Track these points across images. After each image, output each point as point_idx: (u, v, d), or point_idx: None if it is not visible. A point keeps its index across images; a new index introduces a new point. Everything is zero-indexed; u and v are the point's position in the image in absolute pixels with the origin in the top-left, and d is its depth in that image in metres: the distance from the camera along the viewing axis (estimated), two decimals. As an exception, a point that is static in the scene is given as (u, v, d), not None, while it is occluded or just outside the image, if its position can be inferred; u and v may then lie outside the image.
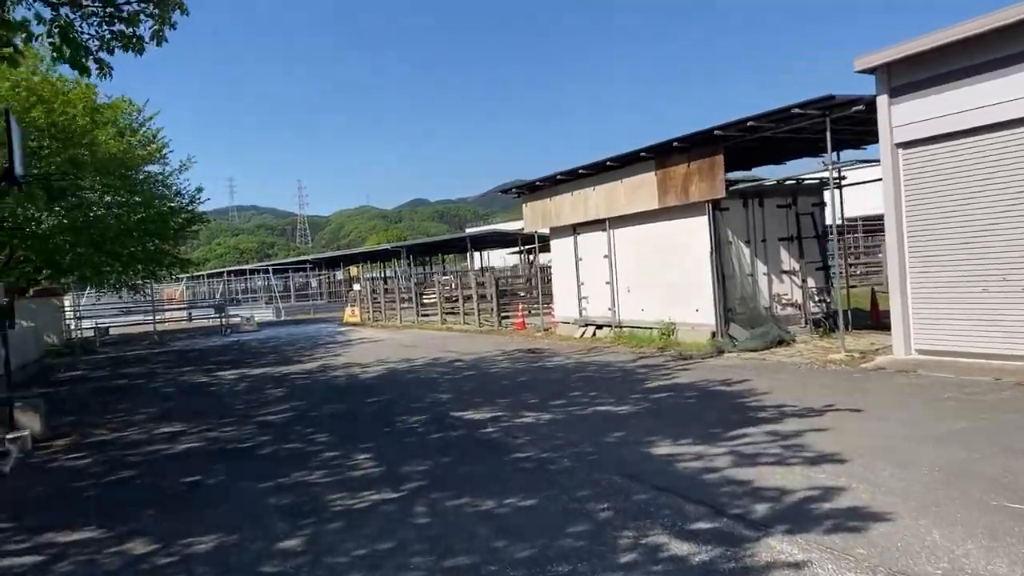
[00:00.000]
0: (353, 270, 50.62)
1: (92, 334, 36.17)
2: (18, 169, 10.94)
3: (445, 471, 7.83)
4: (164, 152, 36.30)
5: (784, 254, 17.33)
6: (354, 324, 37.70)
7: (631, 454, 7.95)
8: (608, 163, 18.39)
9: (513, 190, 23.09)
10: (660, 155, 17.16)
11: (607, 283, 19.98)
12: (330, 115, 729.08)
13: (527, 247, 55.21)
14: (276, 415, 12.19)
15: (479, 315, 28.15)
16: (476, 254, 59.42)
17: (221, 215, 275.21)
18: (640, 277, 18.86)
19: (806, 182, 18.00)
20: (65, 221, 27.39)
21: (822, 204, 17.75)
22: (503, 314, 26.86)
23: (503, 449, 8.65)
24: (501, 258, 62.88)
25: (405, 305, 35.67)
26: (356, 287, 39.94)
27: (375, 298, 38.31)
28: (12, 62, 7.53)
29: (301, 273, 67.97)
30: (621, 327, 19.65)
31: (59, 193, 20.84)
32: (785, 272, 17.30)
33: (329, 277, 69.07)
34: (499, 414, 10.80)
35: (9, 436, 10.27)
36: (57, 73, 22.54)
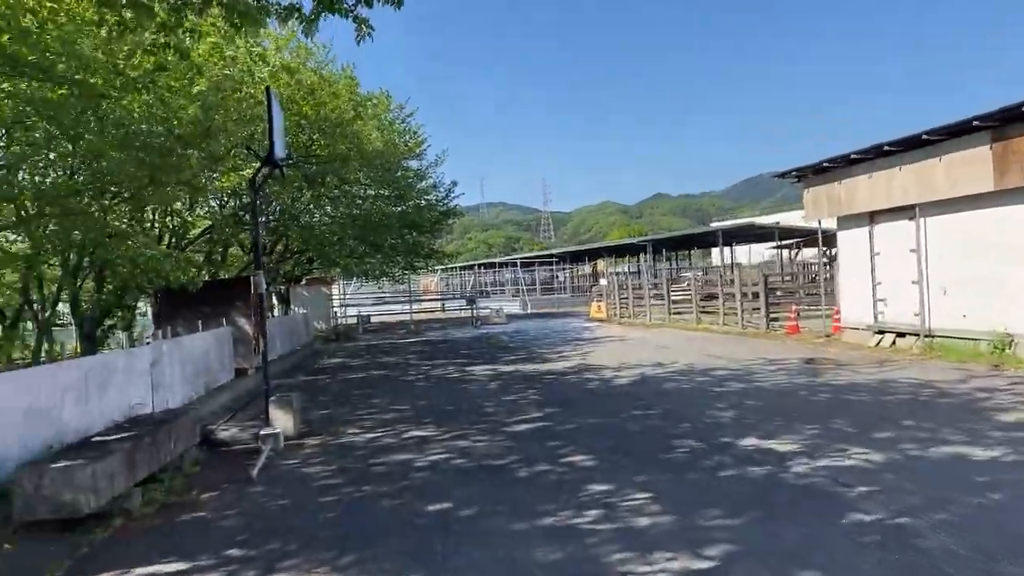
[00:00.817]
0: (600, 264, 49.32)
1: (355, 322, 38.06)
2: (278, 151, 10.42)
3: (757, 533, 5.79)
4: (422, 147, 37.43)
5: None
6: (600, 320, 36.34)
7: (1045, 535, 5.43)
8: (924, 136, 15.02)
9: (792, 173, 20.15)
10: (1000, 124, 13.63)
11: (914, 282, 16.55)
12: (572, 114, 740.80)
13: (791, 241, 50.75)
14: (530, 424, 10.79)
15: (742, 315, 25.40)
16: (726, 250, 55.82)
17: (472, 211, 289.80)
18: (962, 276, 15.32)
19: None
20: (335, 214, 28.65)
21: None
22: (771, 315, 23.94)
23: (833, 504, 6.43)
24: (753, 254, 58.53)
25: (654, 302, 33.64)
26: (603, 282, 38.55)
27: (622, 294, 36.63)
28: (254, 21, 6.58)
29: (546, 267, 68.22)
30: (932, 336, 16.18)
31: (315, 179, 21.13)
32: None
33: (573, 271, 68.66)
34: (806, 446, 8.51)
35: (263, 432, 9.75)
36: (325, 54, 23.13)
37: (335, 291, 43.94)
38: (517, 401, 12.97)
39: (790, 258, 52.19)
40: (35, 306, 19.63)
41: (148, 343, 11.96)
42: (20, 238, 15.08)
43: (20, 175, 12.60)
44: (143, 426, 8.52)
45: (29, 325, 23.24)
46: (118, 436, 7.89)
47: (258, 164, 11.13)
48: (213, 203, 23.79)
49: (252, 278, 11.12)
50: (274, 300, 39.47)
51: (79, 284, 16.68)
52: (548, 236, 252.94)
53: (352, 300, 43.95)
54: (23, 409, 7.74)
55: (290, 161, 12.12)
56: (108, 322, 19.24)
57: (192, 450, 9.22)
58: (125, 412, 10.32)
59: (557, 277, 62.93)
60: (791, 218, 65.49)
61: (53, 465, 6.52)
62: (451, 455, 9.06)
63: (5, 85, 9.21)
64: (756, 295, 25.37)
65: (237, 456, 9.57)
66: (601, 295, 38.35)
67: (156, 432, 8.18)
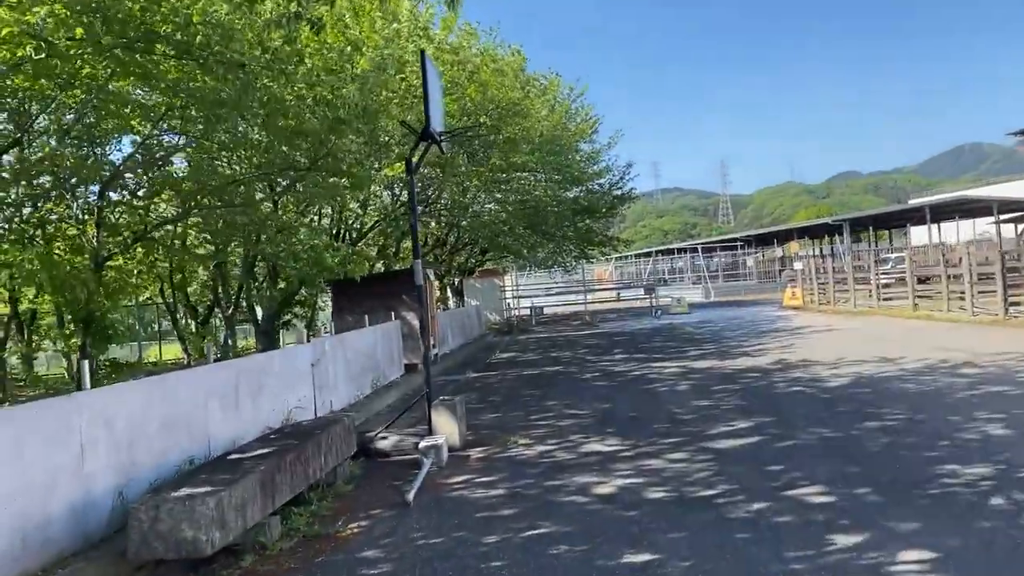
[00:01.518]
0: (794, 247, 45.48)
1: (528, 313, 37.11)
2: (435, 123, 9.16)
3: None
4: (595, 128, 35.79)
5: None
6: (796, 307, 33.08)
7: None
8: None
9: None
10: None
11: None
12: (752, 89, 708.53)
13: (1011, 215, 44.49)
14: (736, 438, 8.87)
15: (972, 300, 21.71)
16: (933, 228, 49.87)
17: (647, 197, 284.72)
18: None
19: None
20: (504, 201, 27.66)
21: None
22: (1012, 299, 20.21)
23: None
24: (961, 232, 51.95)
25: (858, 286, 30.05)
26: (797, 266, 35.16)
27: (820, 278, 33.14)
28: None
29: (728, 252, 64.48)
30: None
31: (480, 160, 19.95)
32: None
33: (758, 256, 64.41)
34: None
35: (423, 444, 8.53)
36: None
37: (507, 282, 43.35)
38: (716, 407, 11.04)
39: (1016, 234, 45.79)
40: (222, 303, 19.98)
41: (311, 342, 11.13)
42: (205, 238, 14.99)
43: (178, 163, 12.29)
44: (293, 437, 7.51)
45: (217, 321, 24.08)
46: (260, 451, 6.89)
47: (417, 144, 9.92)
48: (385, 194, 23.46)
49: (412, 268, 9.95)
50: (448, 293, 39.44)
51: (259, 281, 16.55)
52: (727, 220, 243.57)
53: (524, 291, 43.11)
54: (159, 420, 6.92)
55: (450, 135, 10.80)
56: (285, 317, 19.21)
57: (344, 466, 8.14)
58: (283, 417, 9.50)
59: (744, 262, 59.09)
60: (1007, 189, 57.69)
61: (173, 494, 5.51)
62: (643, 480, 7.37)
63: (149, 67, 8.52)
64: (986, 276, 21.64)
65: (396, 470, 8.41)
66: (795, 280, 34.98)
67: (304, 445, 7.12)
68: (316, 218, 18.06)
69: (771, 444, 8.46)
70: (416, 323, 16.90)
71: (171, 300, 21.47)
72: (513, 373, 16.94)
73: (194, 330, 21.93)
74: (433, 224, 30.07)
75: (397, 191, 22.22)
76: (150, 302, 26.22)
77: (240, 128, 10.01)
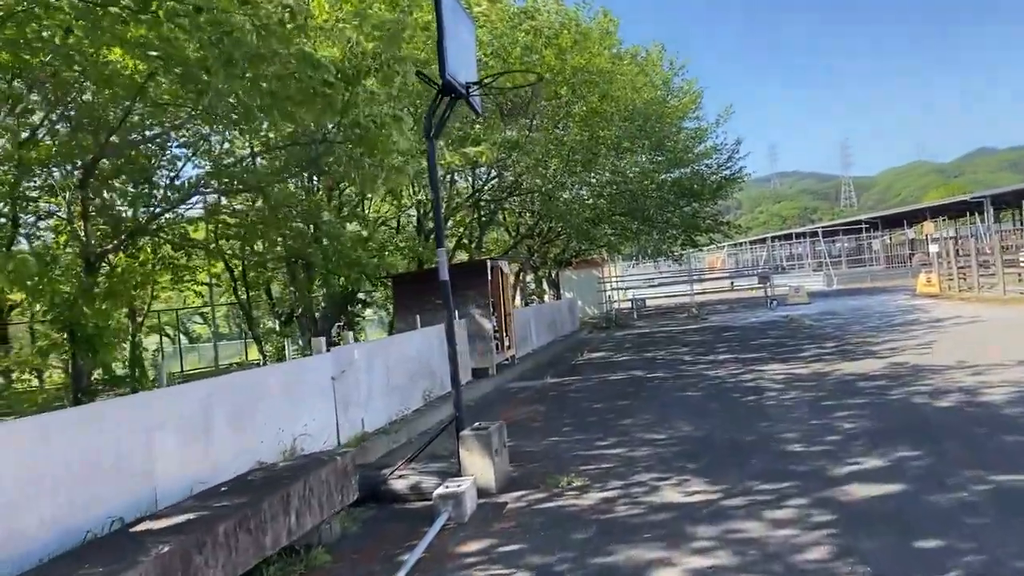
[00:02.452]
0: (927, 227, 40.77)
1: (629, 306, 34.59)
2: (452, 69, 7.09)
3: None
4: (698, 102, 32.85)
5: None
6: (931, 295, 29.17)
7: None
8: None
9: None
10: None
11: None
12: (873, 62, 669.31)
13: None
14: (870, 485, 6.39)
15: None
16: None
17: (763, 183, 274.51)
18: None
19: None
20: (594, 184, 25.33)
21: None
22: None
23: None
24: None
25: (1007, 270, 25.99)
26: (933, 248, 31.06)
27: (960, 261, 29.08)
28: None
29: (851, 236, 59.49)
30: None
31: (513, 114, 17.53)
32: None
33: (885, 240, 59.17)
34: None
35: (441, 490, 6.54)
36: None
37: (610, 272, 40.91)
38: (838, 429, 8.52)
39: None
40: (288, 303, 18.74)
41: (331, 350, 9.32)
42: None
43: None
44: (247, 491, 5.67)
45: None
46: (186, 517, 5.07)
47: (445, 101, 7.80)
48: (461, 182, 21.64)
49: (437, 260, 7.94)
50: (545, 286, 37.38)
51: (307, 280, 15.06)
52: (850, 203, 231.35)
53: (628, 282, 40.53)
54: (74, 465, 5.22)
55: (483, 86, 8.68)
56: (349, 318, 17.75)
57: (334, 522, 6.24)
58: (283, 448, 7.72)
59: (870, 246, 54.14)
60: None
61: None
62: (730, 559, 5.10)
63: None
64: None
65: (408, 524, 6.46)
66: (929, 264, 30.95)
67: (258, 504, 5.26)
68: (368, 207, 16.44)
69: (920, 497, 5.98)
70: (487, 322, 14.99)
71: (244, 299, 20.47)
72: (596, 379, 14.72)
73: (277, 330, 20.88)
74: (525, 213, 28.14)
75: (480, 173, 20.34)
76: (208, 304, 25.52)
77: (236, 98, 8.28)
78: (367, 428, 9.76)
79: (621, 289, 37.46)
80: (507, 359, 16.32)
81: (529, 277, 32.22)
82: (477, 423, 7.63)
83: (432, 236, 18.60)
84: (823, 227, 54.40)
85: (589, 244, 34.38)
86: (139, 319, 15.04)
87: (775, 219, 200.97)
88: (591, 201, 23.48)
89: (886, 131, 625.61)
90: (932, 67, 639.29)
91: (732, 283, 42.46)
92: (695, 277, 34.07)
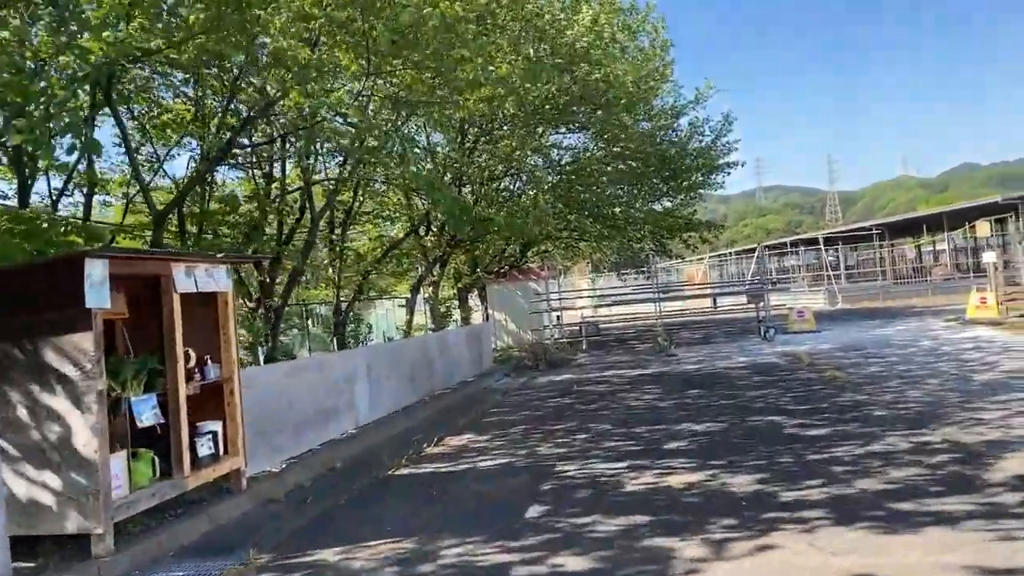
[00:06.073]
0: (981, 227, 32.19)
1: (581, 331, 25.92)
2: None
3: None
4: (669, 69, 24.32)
5: None
6: (990, 321, 20.69)
7: None
8: None
9: None
10: None
11: None
12: (861, 76, 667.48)
13: None
14: None
15: None
16: None
17: (748, 196, 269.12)
18: None
19: None
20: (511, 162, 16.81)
21: None
22: None
23: None
24: None
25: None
26: (988, 258, 22.64)
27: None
28: None
29: (850, 245, 51.35)
30: None
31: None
32: None
33: (892, 250, 50.88)
34: None
35: None
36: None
37: (586, 282, 32.37)
38: None
39: None
40: None
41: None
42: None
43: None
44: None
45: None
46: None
47: None
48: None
49: None
50: (479, 302, 28.74)
51: None
52: (835, 217, 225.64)
53: (587, 296, 32.04)
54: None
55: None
56: None
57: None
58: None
59: (880, 258, 45.65)
60: None
61: None
62: None
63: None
64: None
65: None
66: (991, 280, 22.44)
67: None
68: None
69: None
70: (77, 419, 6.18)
71: None
72: (386, 541, 6.02)
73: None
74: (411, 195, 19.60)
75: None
76: None
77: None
78: None
79: (567, 309, 28.93)
80: (241, 483, 7.57)
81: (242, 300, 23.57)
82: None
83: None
84: (825, 234, 46.02)
85: (524, 247, 25.95)
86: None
87: (760, 231, 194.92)
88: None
89: (871, 146, 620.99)
90: (917, 82, 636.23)
91: (715, 300, 33.81)
92: (661, 293, 25.40)
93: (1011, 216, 35.02)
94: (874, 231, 42.61)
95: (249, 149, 11.48)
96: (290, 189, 14.60)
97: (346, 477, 8.88)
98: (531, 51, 14.60)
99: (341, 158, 14.15)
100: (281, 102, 10.31)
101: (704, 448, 8.51)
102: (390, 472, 8.89)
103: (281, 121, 10.84)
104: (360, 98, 10.90)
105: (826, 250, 42.31)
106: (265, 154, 13.14)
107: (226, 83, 10.92)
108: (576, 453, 8.93)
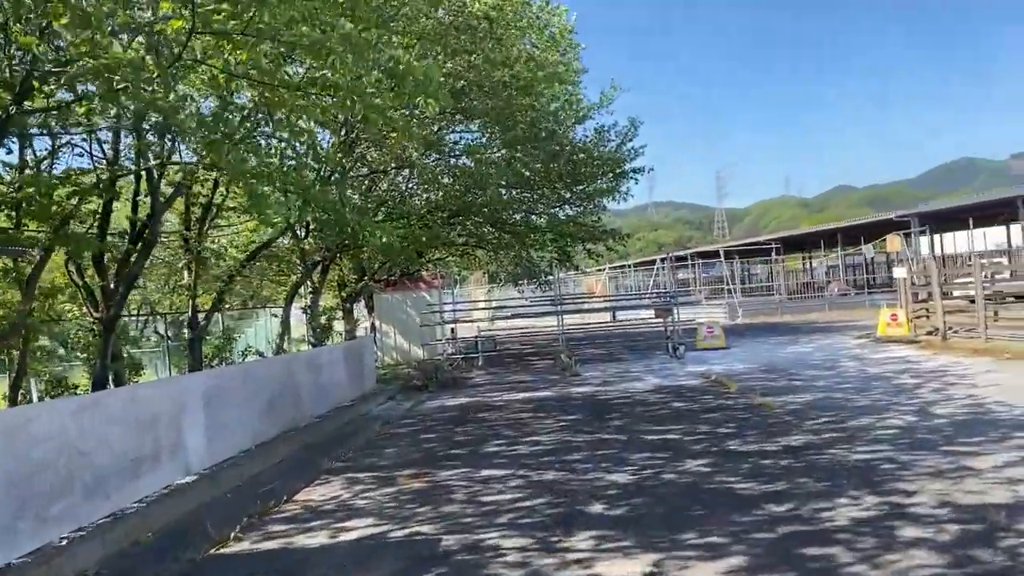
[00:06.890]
0: (893, 242, 31.97)
1: (477, 346, 23.74)
2: None
3: None
4: (573, 65, 22.57)
5: None
6: (902, 340, 19.83)
7: None
8: None
9: None
10: None
11: None
12: (747, 104, 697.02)
13: None
14: None
15: None
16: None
17: (640, 211, 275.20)
18: None
19: None
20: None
21: None
22: None
23: None
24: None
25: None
26: (899, 273, 21.91)
27: (948, 293, 19.98)
28: None
29: (745, 261, 51.49)
30: None
31: None
32: None
33: (785, 266, 51.24)
34: None
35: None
36: None
37: (483, 293, 30.17)
38: None
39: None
40: None
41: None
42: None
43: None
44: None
45: None
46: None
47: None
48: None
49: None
50: (366, 313, 26.14)
51: None
52: (722, 233, 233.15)
53: (482, 307, 29.97)
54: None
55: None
56: None
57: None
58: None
59: (774, 272, 45.58)
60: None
61: None
62: None
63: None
64: None
65: None
66: (901, 296, 21.67)
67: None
68: None
69: None
70: None
71: None
72: None
73: None
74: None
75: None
76: None
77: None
78: None
79: (465, 321, 26.77)
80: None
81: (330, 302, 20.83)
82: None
83: None
84: (725, 247, 45.64)
85: (386, 251, 23.53)
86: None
87: (652, 245, 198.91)
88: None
89: (757, 168, 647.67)
90: (799, 103, 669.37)
91: (614, 314, 32.40)
92: (563, 306, 23.59)
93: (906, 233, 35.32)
94: (773, 245, 42.38)
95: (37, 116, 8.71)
96: (121, 172, 11.79)
97: (151, 558, 6.38)
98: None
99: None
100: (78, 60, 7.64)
101: (638, 516, 6.47)
102: (213, 550, 6.44)
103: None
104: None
105: (727, 263, 41.76)
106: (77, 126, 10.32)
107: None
108: (469, 519, 6.72)
